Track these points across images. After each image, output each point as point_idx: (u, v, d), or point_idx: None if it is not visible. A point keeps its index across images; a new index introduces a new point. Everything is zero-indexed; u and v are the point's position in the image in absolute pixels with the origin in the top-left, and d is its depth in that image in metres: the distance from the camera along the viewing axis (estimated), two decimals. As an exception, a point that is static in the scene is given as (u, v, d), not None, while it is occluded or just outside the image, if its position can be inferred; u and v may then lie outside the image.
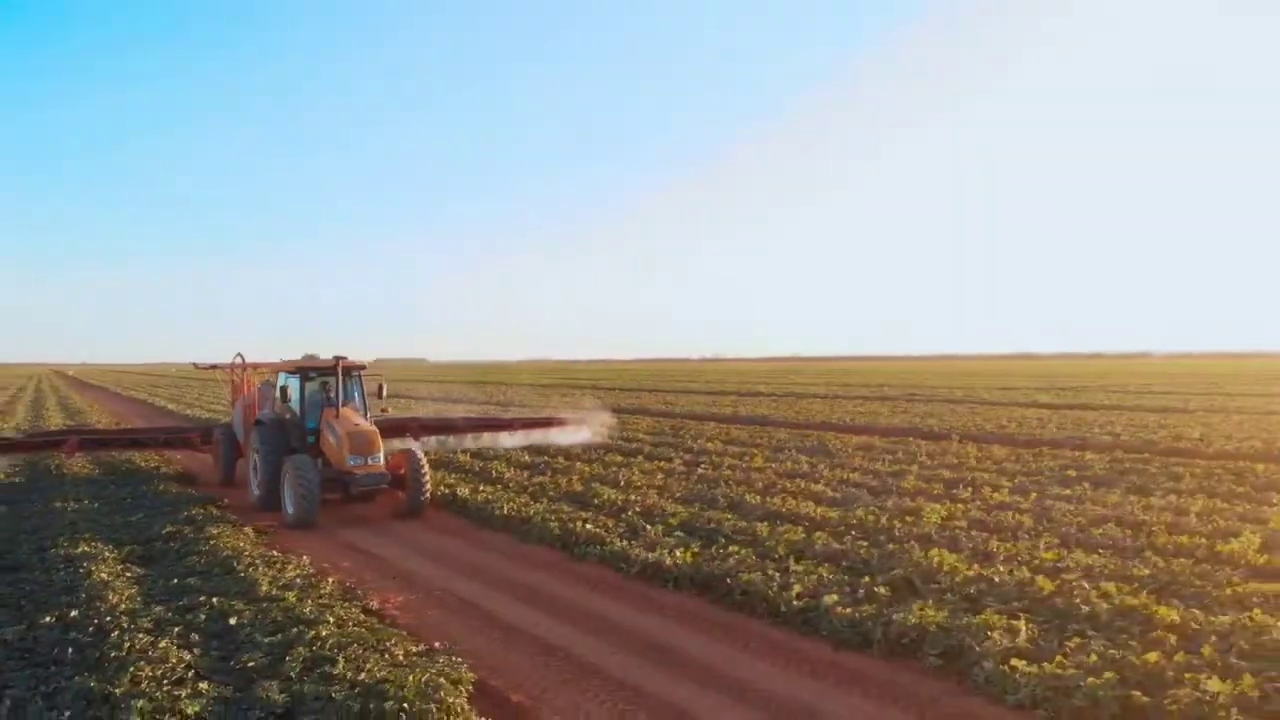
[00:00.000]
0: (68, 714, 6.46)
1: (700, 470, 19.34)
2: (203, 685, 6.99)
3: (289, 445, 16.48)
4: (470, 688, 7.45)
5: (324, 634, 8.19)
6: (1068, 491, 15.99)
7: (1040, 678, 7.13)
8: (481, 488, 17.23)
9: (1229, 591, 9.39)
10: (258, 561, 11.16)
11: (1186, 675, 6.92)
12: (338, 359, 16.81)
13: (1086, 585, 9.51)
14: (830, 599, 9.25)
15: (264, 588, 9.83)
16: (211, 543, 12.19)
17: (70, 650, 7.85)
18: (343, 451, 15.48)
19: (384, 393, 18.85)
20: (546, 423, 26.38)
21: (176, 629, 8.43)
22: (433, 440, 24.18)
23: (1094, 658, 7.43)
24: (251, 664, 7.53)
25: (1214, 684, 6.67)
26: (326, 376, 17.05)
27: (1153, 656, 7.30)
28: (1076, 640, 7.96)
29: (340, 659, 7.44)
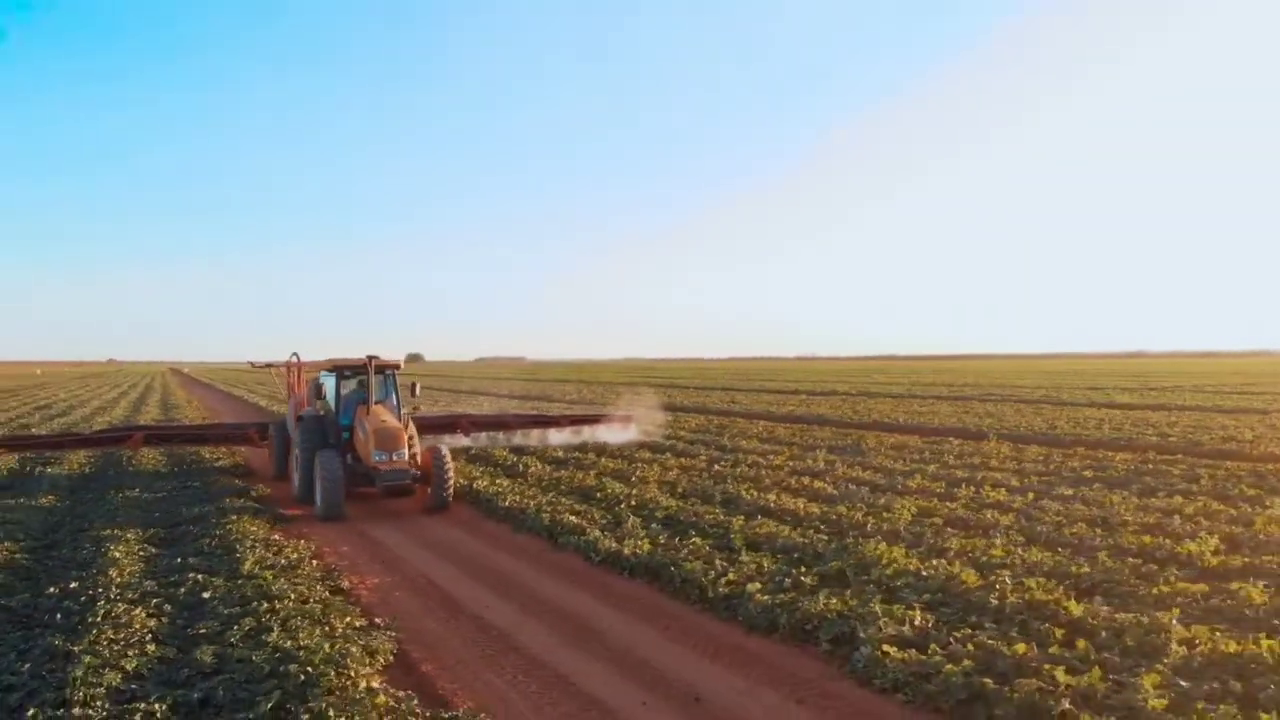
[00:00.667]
0: (28, 666, 7.52)
1: (717, 467, 19.80)
2: (150, 647, 7.98)
3: (326, 441, 17.21)
4: (390, 658, 8.27)
5: (278, 608, 9.11)
6: (1069, 492, 15.91)
7: (906, 663, 7.50)
8: (499, 481, 18.09)
9: (1155, 591, 9.46)
10: (258, 545, 12.21)
11: (1046, 666, 7.19)
12: (369, 358, 17.49)
13: (1009, 580, 9.73)
14: (753, 587, 9.74)
15: (248, 566, 10.85)
16: (229, 528, 13.32)
17: (59, 616, 8.98)
18: (369, 447, 16.23)
19: (417, 391, 19.78)
20: (594, 420, 27.13)
21: (155, 600, 9.50)
22: (483, 436, 25.30)
23: (971, 647, 7.75)
24: (203, 630, 8.50)
25: (1062, 675, 6.94)
26: (361, 375, 17.82)
27: (1021, 648, 7.58)
28: (966, 631, 8.27)
29: (276, 629, 8.34)
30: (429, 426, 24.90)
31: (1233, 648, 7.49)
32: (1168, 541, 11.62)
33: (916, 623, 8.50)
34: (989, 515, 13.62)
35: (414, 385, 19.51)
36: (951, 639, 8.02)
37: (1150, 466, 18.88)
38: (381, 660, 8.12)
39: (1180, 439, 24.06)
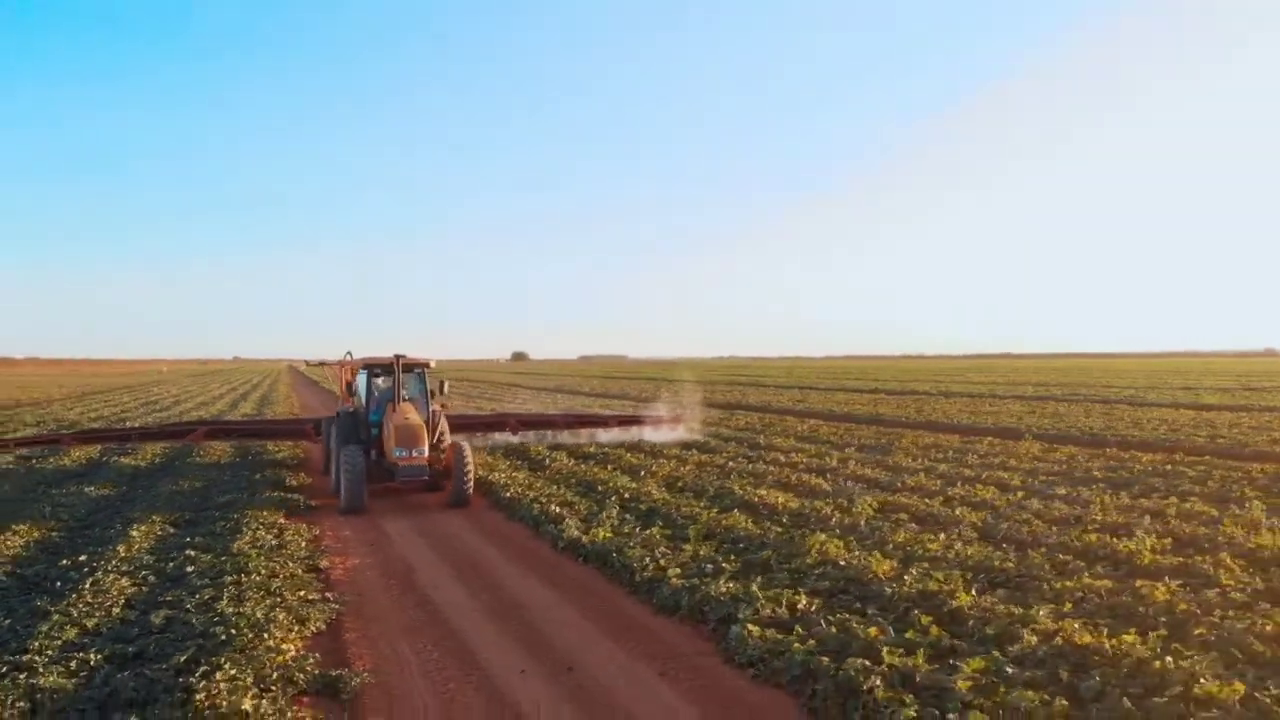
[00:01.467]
0: (9, 621, 8.82)
1: (732, 463, 20.31)
2: (116, 610, 9.19)
3: (357, 436, 18.13)
4: (322, 626, 9.27)
5: (244, 580, 10.24)
6: (1063, 491, 15.91)
7: (765, 641, 8.06)
8: (515, 474, 19.07)
9: (1061, 585, 9.67)
10: (262, 528, 13.46)
11: (886, 650, 7.63)
12: (397, 356, 18.23)
13: (916, 571, 10.10)
14: (673, 572, 10.39)
15: (238, 545, 12.06)
16: (247, 513, 14.64)
17: (59, 583, 10.33)
18: (391, 443, 16.96)
19: (445, 389, 20.76)
20: (640, 420, 27.88)
21: (144, 572, 10.79)
22: (530, 434, 26.34)
23: (833, 630, 8.23)
24: (169, 598, 9.68)
25: (890, 656, 7.39)
26: (391, 373, 18.60)
27: (874, 631, 8.04)
28: (844, 615, 8.72)
29: (226, 598, 9.44)
30: (478, 425, 26.20)
31: (1085, 640, 7.76)
32: (1113, 540, 11.68)
33: (801, 606, 9.01)
34: (959, 512, 13.83)
35: (441, 383, 20.51)
36: (823, 621, 8.52)
37: (1169, 468, 18.54)
38: (312, 628, 9.13)
39: (1230, 441, 23.30)
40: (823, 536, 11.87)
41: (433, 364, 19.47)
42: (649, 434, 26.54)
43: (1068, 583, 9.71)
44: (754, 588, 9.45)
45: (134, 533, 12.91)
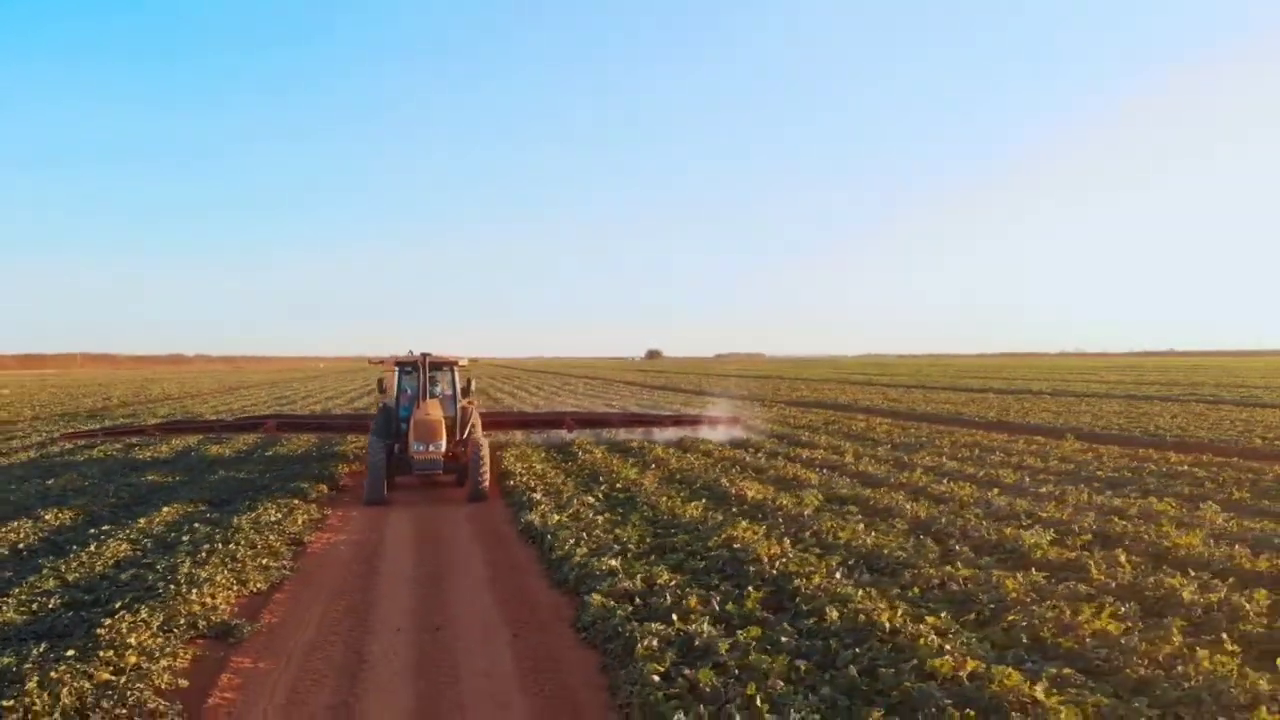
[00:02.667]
0: (11, 574, 10.79)
1: (749, 458, 21.03)
2: (98, 565, 11.03)
3: (389, 431, 19.18)
4: (261, 586, 10.82)
5: (218, 548, 11.91)
6: (1044, 490, 16.01)
7: (604, 609, 9.03)
8: (536, 467, 20.38)
9: (928, 573, 10.14)
10: (272, 508, 15.23)
11: (694, 617, 8.47)
12: (423, 355, 19.50)
13: (794, 556, 10.80)
14: (580, 551, 11.42)
15: (239, 521, 13.81)
16: (274, 497, 16.48)
17: (73, 547, 12.30)
18: (410, 438, 18.04)
19: (472, 387, 21.61)
20: (697, 420, 28.74)
21: (147, 540, 12.68)
22: (587, 432, 27.60)
23: (693, 601, 9.07)
24: (147, 561, 11.46)
25: (684, 623, 8.26)
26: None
27: (693, 601, 8.90)
28: (701, 590, 9.55)
29: (189, 561, 11.12)
30: (535, 422, 27.73)
31: (884, 618, 8.35)
32: (1016, 535, 11.97)
33: (660, 581, 9.90)
34: (911, 506, 14.24)
35: (468, 381, 21.18)
36: (668, 594, 9.37)
37: (1183, 469, 18.17)
38: (251, 588, 10.70)
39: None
40: (744, 524, 12.63)
41: (463, 362, 20.61)
42: (705, 433, 27.27)
43: (931, 570, 10.18)
44: (614, 561, 10.42)
45: (165, 509, 14.92)
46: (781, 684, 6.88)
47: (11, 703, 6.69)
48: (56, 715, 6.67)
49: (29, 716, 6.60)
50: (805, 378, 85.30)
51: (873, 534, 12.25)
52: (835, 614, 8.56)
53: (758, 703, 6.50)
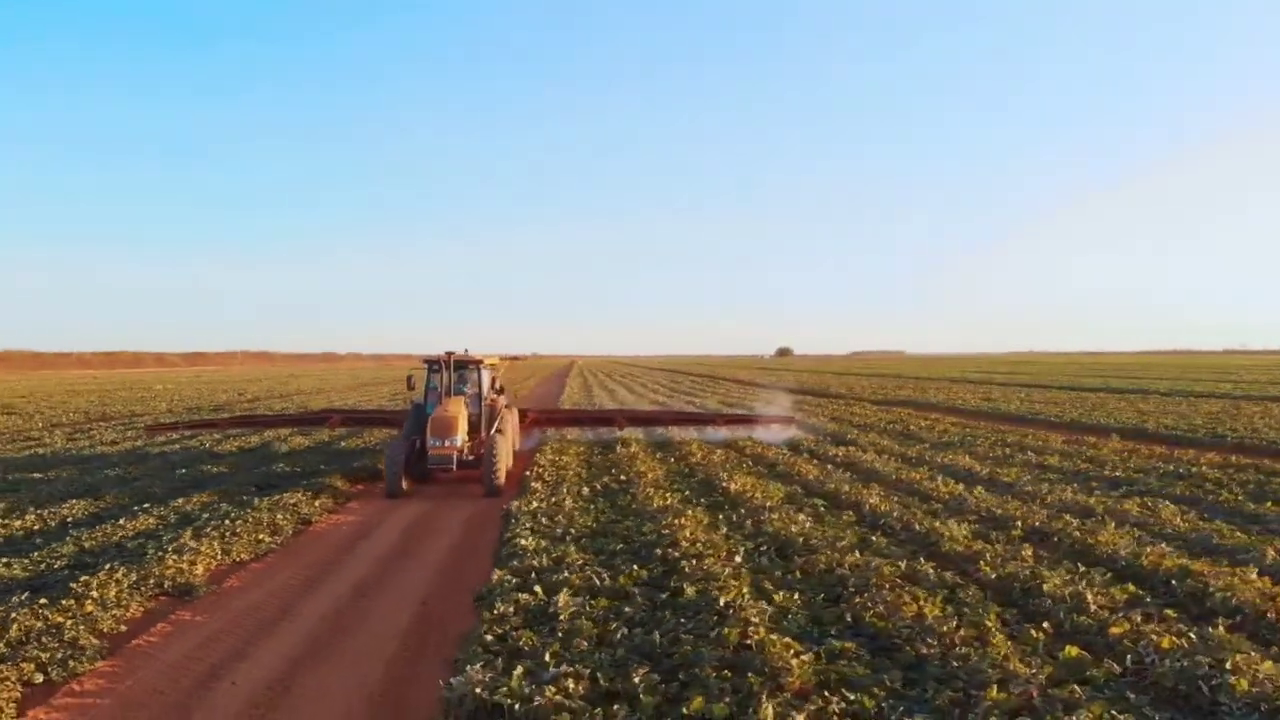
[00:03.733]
0: (42, 540, 12.73)
1: (771, 455, 21.60)
2: (117, 537, 12.84)
3: (418, 427, 19.30)
4: (245, 556, 12.36)
5: (225, 526, 13.58)
6: (1035, 489, 15.99)
7: (496, 583, 10.09)
8: (560, 459, 21.51)
9: (837, 559, 10.69)
10: (299, 494, 16.80)
11: (574, 590, 9.42)
12: (447, 354, 20.16)
13: (714, 539, 11.57)
14: (526, 535, 12.50)
15: (258, 504, 15.46)
16: (303, 485, 18.12)
17: (103, 521, 14.25)
18: (427, 434, 18.53)
19: (497, 386, 22.28)
20: (750, 420, 29.14)
21: (175, 518, 14.50)
22: (639, 430, 28.39)
23: (601, 581, 10.00)
24: (159, 534, 13.22)
25: (564, 598, 9.22)
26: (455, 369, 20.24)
27: (624, 580, 9.93)
28: (640, 572, 10.44)
29: (190, 534, 12.79)
30: (587, 420, 28.83)
31: (730, 596, 9.04)
32: (940, 527, 12.34)
33: (569, 559, 10.87)
34: (875, 500, 14.65)
35: (494, 380, 21.98)
36: (607, 577, 10.24)
37: (1194, 471, 17.76)
38: (234, 557, 12.23)
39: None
40: (691, 513, 13.43)
41: (490, 361, 21.37)
42: (759, 433, 27.51)
43: (823, 557, 10.75)
44: (570, 548, 11.49)
45: (202, 494, 16.71)
46: (585, 644, 7.77)
47: (-33, 633, 8.33)
48: (1, 644, 8.27)
49: (-22, 644, 8.21)
50: (924, 376, 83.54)
51: (810, 524, 12.81)
52: (692, 590, 9.33)
53: (545, 658, 7.42)
